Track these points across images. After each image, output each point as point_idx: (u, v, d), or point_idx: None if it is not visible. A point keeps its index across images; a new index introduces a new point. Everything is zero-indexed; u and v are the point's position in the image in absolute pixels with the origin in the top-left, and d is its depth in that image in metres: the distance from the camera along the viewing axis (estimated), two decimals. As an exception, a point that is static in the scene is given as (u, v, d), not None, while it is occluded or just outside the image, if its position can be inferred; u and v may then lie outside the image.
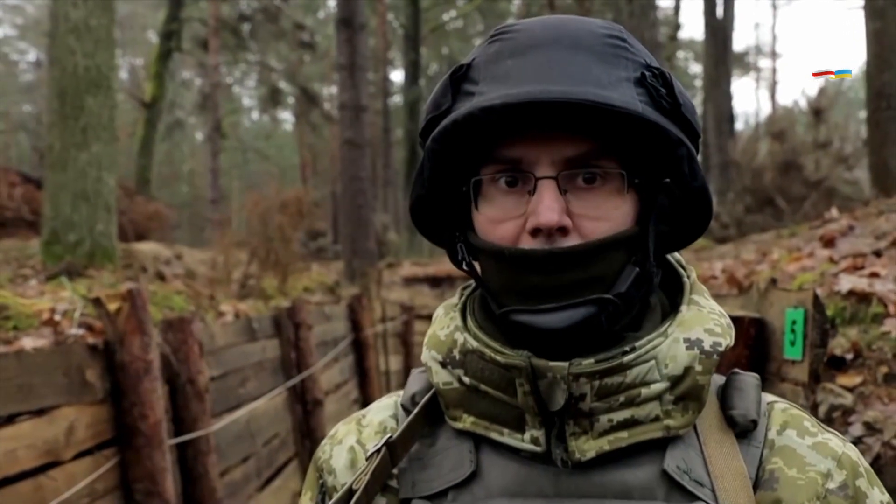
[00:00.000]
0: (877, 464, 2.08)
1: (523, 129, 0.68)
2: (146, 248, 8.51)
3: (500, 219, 0.71)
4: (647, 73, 0.70)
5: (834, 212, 4.56)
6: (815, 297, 1.84)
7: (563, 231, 0.68)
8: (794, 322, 1.90)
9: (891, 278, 2.66)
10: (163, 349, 3.31)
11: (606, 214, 0.70)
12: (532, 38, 0.71)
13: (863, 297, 2.56)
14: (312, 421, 5.45)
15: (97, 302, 2.89)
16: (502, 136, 0.70)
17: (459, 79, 0.73)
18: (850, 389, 2.30)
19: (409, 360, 9.78)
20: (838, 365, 2.40)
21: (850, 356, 2.39)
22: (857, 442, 2.12)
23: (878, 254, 3.16)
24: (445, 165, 0.74)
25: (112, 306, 2.87)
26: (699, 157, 0.74)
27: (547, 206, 0.68)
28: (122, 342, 2.88)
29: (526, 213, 0.70)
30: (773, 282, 2.16)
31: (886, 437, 2.11)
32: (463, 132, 0.69)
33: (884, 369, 2.30)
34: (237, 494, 4.09)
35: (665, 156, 0.70)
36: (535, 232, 0.68)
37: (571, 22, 0.73)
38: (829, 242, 3.72)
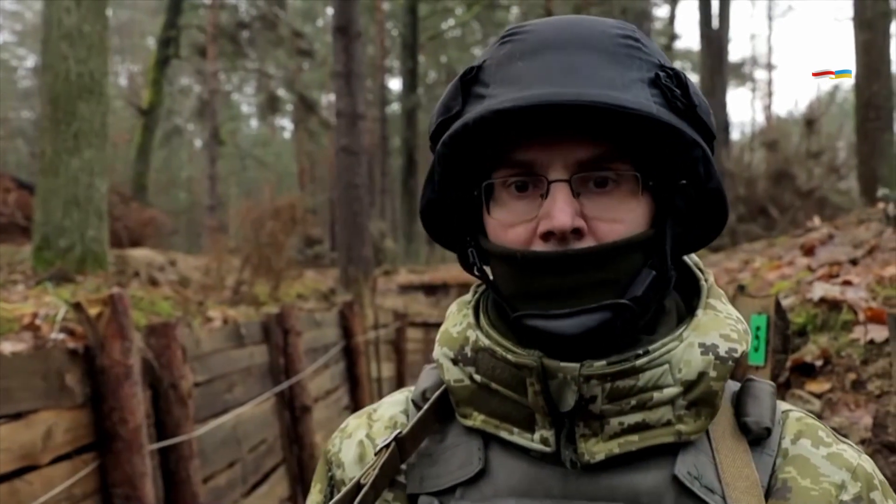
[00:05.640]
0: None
1: (535, 132, 0.67)
2: (139, 254, 8.52)
3: (511, 223, 0.70)
4: (661, 74, 0.69)
5: (816, 220, 4.59)
6: (777, 304, 1.86)
7: (577, 234, 0.67)
8: (757, 328, 1.92)
9: (863, 286, 2.68)
10: (145, 354, 3.33)
11: (621, 217, 0.69)
12: (543, 40, 0.69)
13: (834, 305, 2.58)
14: (300, 427, 5.46)
15: (78, 307, 2.91)
16: (514, 140, 0.69)
17: (470, 81, 0.71)
18: (819, 396, 2.32)
19: (402, 368, 9.77)
20: (808, 371, 2.42)
21: (819, 363, 2.41)
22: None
23: (854, 262, 3.18)
24: (456, 169, 0.73)
25: (93, 311, 2.89)
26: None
27: (560, 208, 0.66)
28: (102, 347, 2.90)
29: (538, 216, 0.68)
30: (741, 288, 2.18)
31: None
32: (474, 136, 0.68)
33: (852, 376, 2.32)
34: (221, 500, 4.09)
35: (680, 157, 0.69)
36: (548, 235, 0.67)
37: (583, 22, 0.72)
38: (809, 251, 3.74)
